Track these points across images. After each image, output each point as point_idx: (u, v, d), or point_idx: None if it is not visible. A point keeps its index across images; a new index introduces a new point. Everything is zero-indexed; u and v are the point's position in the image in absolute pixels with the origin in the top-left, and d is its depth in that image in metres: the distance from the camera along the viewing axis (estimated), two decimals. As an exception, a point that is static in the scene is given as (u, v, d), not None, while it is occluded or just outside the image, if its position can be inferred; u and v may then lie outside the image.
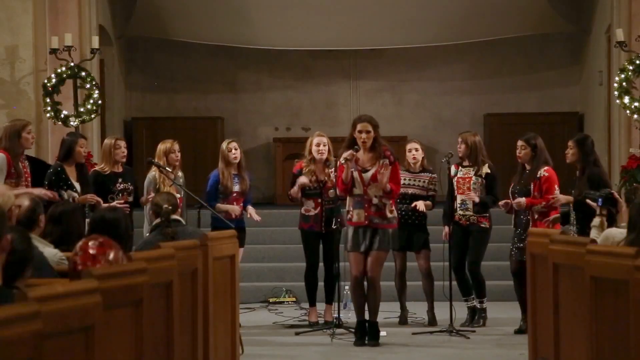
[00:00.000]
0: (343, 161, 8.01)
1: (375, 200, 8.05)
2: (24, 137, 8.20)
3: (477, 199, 8.76)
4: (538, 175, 8.46)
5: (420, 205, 8.98)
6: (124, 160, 8.73)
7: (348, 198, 8.16)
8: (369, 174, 8.06)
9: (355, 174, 8.05)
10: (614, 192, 6.88)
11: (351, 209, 8.11)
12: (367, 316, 8.17)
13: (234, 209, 8.85)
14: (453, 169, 8.97)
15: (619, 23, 12.03)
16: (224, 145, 9.06)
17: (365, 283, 8.20)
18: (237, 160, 8.97)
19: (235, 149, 8.98)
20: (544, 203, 8.36)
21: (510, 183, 8.75)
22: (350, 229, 8.13)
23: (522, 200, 8.38)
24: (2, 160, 7.99)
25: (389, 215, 8.10)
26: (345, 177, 8.04)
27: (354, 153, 8.00)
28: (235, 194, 8.93)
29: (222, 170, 8.93)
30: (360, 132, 8.08)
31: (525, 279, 8.28)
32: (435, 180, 9.20)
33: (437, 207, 9.35)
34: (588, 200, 7.23)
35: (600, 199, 6.90)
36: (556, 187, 8.45)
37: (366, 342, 8.09)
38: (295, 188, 8.95)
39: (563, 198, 8.32)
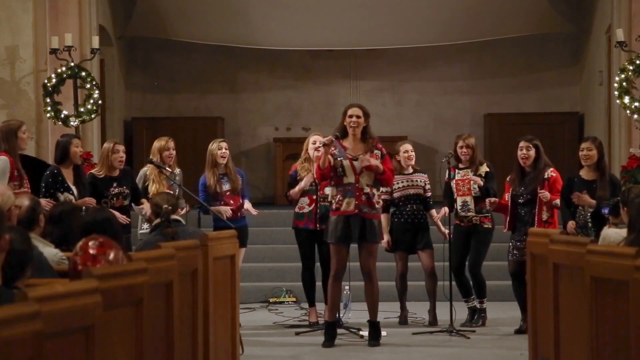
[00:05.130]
0: (325, 143, 7.96)
1: (366, 189, 8.00)
2: (20, 138, 8.15)
3: (481, 182, 8.73)
4: (546, 177, 8.43)
5: (440, 226, 9.07)
6: (121, 165, 8.66)
7: (334, 188, 8.05)
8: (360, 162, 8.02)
9: (346, 162, 7.99)
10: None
11: (340, 198, 8.00)
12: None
13: (225, 209, 8.80)
14: (450, 173, 8.95)
15: (619, 23, 12.03)
16: (213, 145, 9.00)
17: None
18: (225, 161, 8.94)
19: (225, 149, 8.97)
20: (559, 199, 8.33)
21: (506, 185, 8.71)
22: (334, 219, 8.01)
23: (547, 194, 8.34)
24: (5, 163, 7.94)
25: (376, 205, 8.09)
26: (322, 163, 7.94)
27: (333, 139, 7.96)
28: (227, 193, 8.91)
29: (207, 173, 8.90)
30: (350, 116, 8.07)
31: (523, 280, 8.34)
32: (427, 180, 9.23)
33: (436, 207, 9.35)
34: (602, 210, 7.25)
35: (606, 209, 6.90)
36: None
37: (368, 342, 8.09)
38: (296, 189, 8.91)
39: (587, 201, 8.19)
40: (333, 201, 8.08)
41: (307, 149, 8.99)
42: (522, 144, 8.55)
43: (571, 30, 14.50)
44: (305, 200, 8.95)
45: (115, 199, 8.50)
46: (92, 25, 12.31)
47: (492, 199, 8.61)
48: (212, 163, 8.92)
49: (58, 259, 5.44)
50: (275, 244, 11.67)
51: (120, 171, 8.60)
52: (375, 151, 8.06)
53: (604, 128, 13.05)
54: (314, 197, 8.85)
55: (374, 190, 8.07)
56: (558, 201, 8.31)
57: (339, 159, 7.98)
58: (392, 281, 9.42)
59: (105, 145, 8.79)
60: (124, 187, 8.54)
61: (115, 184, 8.50)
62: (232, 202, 8.90)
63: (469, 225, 8.87)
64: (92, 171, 8.67)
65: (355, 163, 7.99)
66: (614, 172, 11.21)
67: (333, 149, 8.00)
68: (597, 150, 8.13)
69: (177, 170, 9.01)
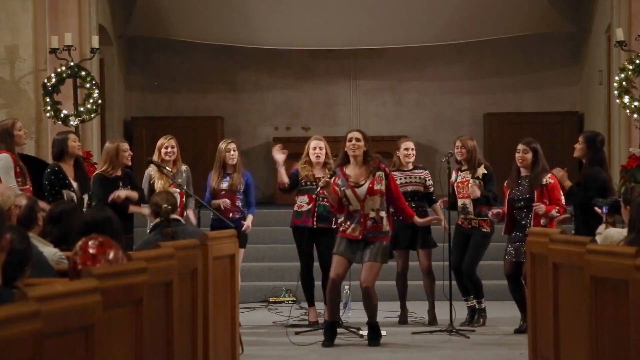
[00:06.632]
0: (322, 186, 8.01)
1: (372, 214, 7.98)
2: (16, 135, 8.12)
3: (478, 193, 8.73)
4: (544, 183, 8.40)
5: (444, 220, 9.04)
6: (129, 162, 8.69)
7: (343, 215, 8.06)
8: (363, 189, 7.96)
9: (349, 192, 7.98)
10: (620, 200, 6.85)
11: (349, 223, 8.03)
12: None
13: (224, 201, 8.81)
14: (453, 174, 8.97)
15: (618, 22, 12.04)
16: (222, 145, 9.03)
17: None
18: (234, 162, 8.95)
19: (234, 151, 8.97)
20: (558, 208, 8.32)
21: (504, 189, 8.70)
22: (340, 237, 8.07)
23: (542, 206, 8.31)
24: (7, 160, 7.92)
25: (384, 228, 8.06)
26: (331, 201, 8.05)
27: (328, 180, 7.95)
28: (223, 192, 8.91)
29: (214, 171, 8.94)
30: (350, 140, 8.05)
31: (519, 281, 8.35)
32: (429, 176, 9.22)
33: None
34: (596, 208, 7.23)
35: (605, 207, 6.88)
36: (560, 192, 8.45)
37: (367, 342, 8.09)
38: (280, 173, 8.87)
39: (562, 177, 8.24)
40: (342, 224, 8.08)
41: (308, 153, 8.99)
42: (520, 146, 8.53)
43: (571, 30, 14.51)
44: (304, 199, 8.94)
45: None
46: (91, 24, 12.32)
47: (495, 211, 8.60)
48: (220, 163, 8.95)
49: (57, 258, 5.44)
50: (275, 244, 11.67)
51: (122, 171, 8.59)
52: (379, 173, 8.01)
53: (603, 127, 13.05)
54: (314, 196, 8.84)
55: (381, 214, 8.03)
56: (554, 212, 8.30)
57: (342, 188, 7.99)
58: (392, 280, 9.41)
59: (109, 145, 8.68)
60: (128, 187, 8.54)
61: (121, 184, 8.49)
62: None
63: (468, 227, 8.88)
64: (99, 172, 8.57)
65: (357, 190, 7.98)
66: (614, 171, 11.23)
67: (337, 178, 8.00)
68: (585, 145, 8.11)
69: (184, 167, 9.00)
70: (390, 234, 8.16)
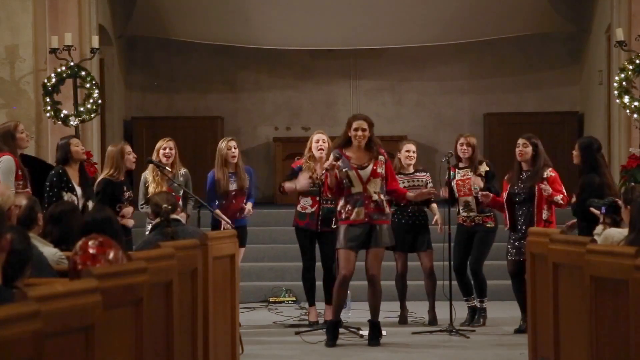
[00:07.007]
0: (327, 168, 8.01)
1: (375, 197, 8.02)
2: (19, 137, 8.10)
3: (482, 183, 8.74)
4: (545, 176, 8.42)
5: (439, 218, 9.06)
6: (134, 166, 8.68)
7: (343, 199, 8.09)
8: (367, 171, 8.01)
9: (352, 173, 8.01)
10: (617, 200, 6.86)
11: (350, 207, 8.03)
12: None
13: (227, 222, 8.80)
14: (450, 172, 8.96)
15: (618, 22, 12.04)
16: (222, 144, 9.02)
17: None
18: (236, 160, 8.96)
19: (235, 148, 8.98)
20: (562, 196, 8.33)
21: (504, 182, 8.71)
22: (344, 227, 8.04)
23: (549, 188, 8.33)
24: (10, 162, 7.91)
25: (386, 211, 8.11)
26: (330, 184, 8.04)
27: (334, 163, 7.97)
28: (234, 192, 8.92)
29: (217, 171, 8.92)
30: (356, 129, 8.07)
31: (523, 279, 8.32)
32: (430, 179, 9.23)
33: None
34: (592, 209, 7.22)
35: (603, 207, 6.88)
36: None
37: (368, 341, 8.09)
38: (292, 186, 8.89)
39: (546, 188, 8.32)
40: (342, 211, 8.07)
41: (310, 148, 8.99)
42: (520, 140, 8.56)
43: (571, 30, 14.51)
44: (308, 200, 8.94)
45: (127, 203, 8.46)
46: (91, 24, 12.32)
47: (484, 192, 8.61)
48: (222, 162, 8.94)
49: (57, 258, 5.44)
50: (275, 244, 11.67)
51: (123, 175, 8.57)
52: (380, 157, 8.07)
53: (603, 127, 13.06)
54: (317, 198, 8.85)
55: (382, 196, 8.06)
56: (559, 197, 8.32)
57: (344, 170, 7.99)
58: (392, 281, 9.42)
59: (113, 149, 8.57)
60: (131, 192, 8.54)
61: (125, 188, 8.47)
62: (234, 201, 8.90)
63: (472, 224, 8.87)
64: (105, 177, 8.50)
65: (360, 172, 8.00)
66: (614, 171, 11.22)
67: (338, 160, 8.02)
68: (579, 152, 8.11)
69: (183, 171, 8.97)
70: (391, 217, 8.22)
